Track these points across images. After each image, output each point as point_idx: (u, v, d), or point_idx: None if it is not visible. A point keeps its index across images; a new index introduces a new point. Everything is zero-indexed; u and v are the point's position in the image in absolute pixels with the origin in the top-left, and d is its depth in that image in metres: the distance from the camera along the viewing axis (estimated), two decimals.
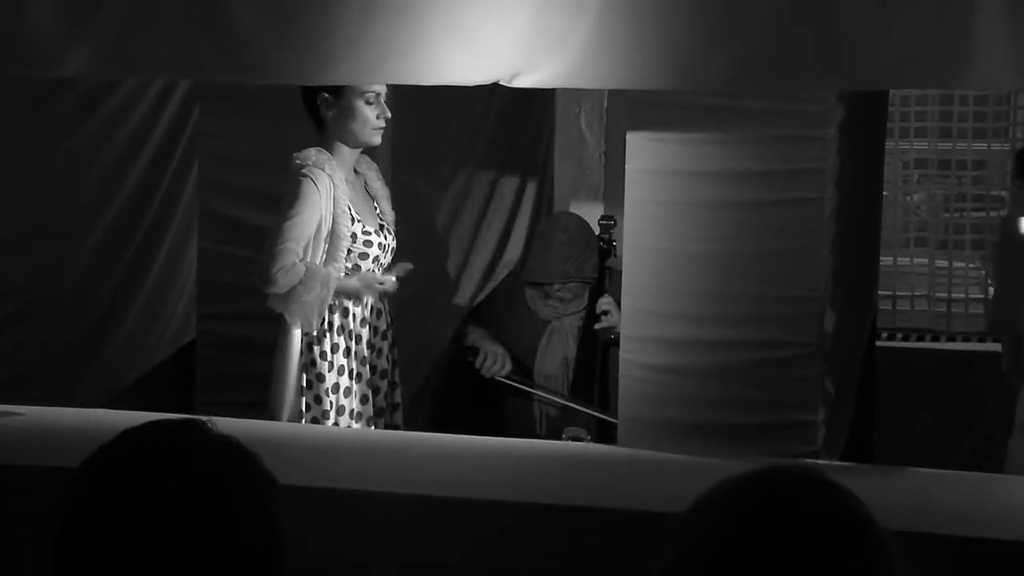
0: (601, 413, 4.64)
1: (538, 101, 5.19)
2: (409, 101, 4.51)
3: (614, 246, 4.73)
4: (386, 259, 4.24)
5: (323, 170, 4.06)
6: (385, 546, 3.10)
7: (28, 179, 4.78)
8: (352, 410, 4.15)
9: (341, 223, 4.09)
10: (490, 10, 3.51)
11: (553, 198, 5.43)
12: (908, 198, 6.31)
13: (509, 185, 5.17)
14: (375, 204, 4.27)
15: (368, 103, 4.13)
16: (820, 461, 3.56)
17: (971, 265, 6.09)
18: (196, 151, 4.91)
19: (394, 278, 4.15)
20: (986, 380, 5.21)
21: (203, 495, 1.48)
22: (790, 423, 3.65)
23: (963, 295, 6.01)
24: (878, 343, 4.56)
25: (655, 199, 3.73)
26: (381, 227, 4.24)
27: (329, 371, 4.13)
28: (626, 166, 3.79)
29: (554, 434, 4.66)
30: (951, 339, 5.94)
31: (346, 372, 4.15)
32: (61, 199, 4.85)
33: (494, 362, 4.75)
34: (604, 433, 4.53)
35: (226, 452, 1.52)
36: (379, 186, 4.29)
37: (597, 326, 4.69)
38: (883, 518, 1.42)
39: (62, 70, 3.94)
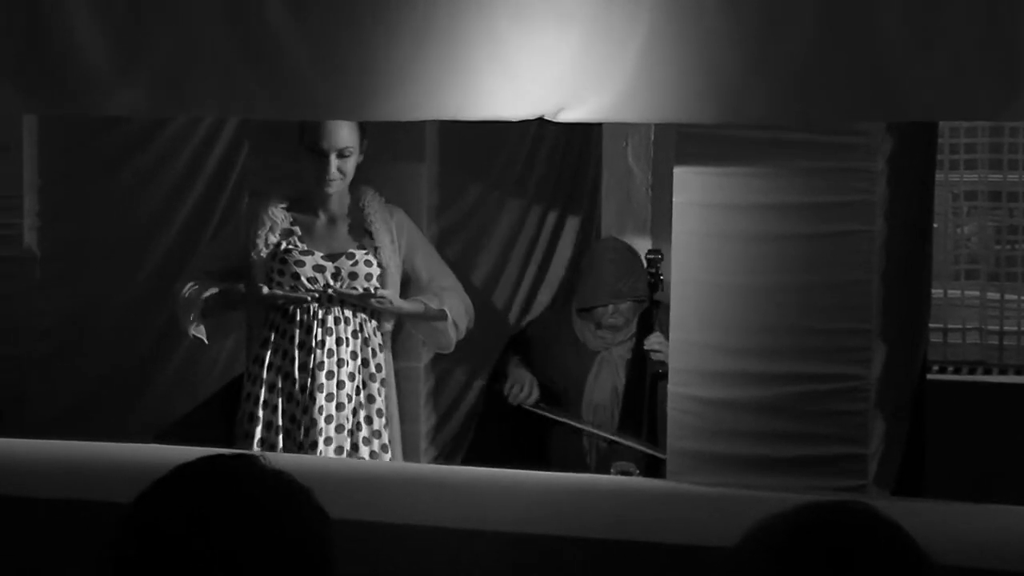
0: (643, 445, 4.61)
1: (584, 135, 5.19)
2: (456, 135, 4.53)
3: (661, 280, 4.71)
4: (339, 283, 4.28)
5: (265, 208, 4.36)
6: None
7: (80, 213, 4.82)
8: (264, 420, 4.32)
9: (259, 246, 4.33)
10: (535, 45, 3.52)
11: (600, 231, 5.43)
12: (959, 230, 6.27)
13: (556, 219, 5.17)
14: (368, 233, 4.32)
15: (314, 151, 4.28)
16: (871, 496, 3.53)
17: (1023, 297, 6.04)
18: (245, 188, 4.94)
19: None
20: None
21: (256, 530, 1.48)
22: (840, 457, 3.62)
23: (1015, 327, 5.96)
24: (929, 376, 4.52)
25: (702, 232, 3.72)
26: (346, 255, 4.30)
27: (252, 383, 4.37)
28: (673, 199, 3.78)
29: (604, 466, 4.64)
30: (1003, 372, 5.89)
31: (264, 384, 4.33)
32: (111, 234, 4.89)
33: (520, 390, 4.74)
34: (653, 466, 4.50)
35: (278, 487, 1.52)
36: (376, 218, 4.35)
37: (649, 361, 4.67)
38: (934, 553, 1.40)
39: (112, 109, 3.97)
